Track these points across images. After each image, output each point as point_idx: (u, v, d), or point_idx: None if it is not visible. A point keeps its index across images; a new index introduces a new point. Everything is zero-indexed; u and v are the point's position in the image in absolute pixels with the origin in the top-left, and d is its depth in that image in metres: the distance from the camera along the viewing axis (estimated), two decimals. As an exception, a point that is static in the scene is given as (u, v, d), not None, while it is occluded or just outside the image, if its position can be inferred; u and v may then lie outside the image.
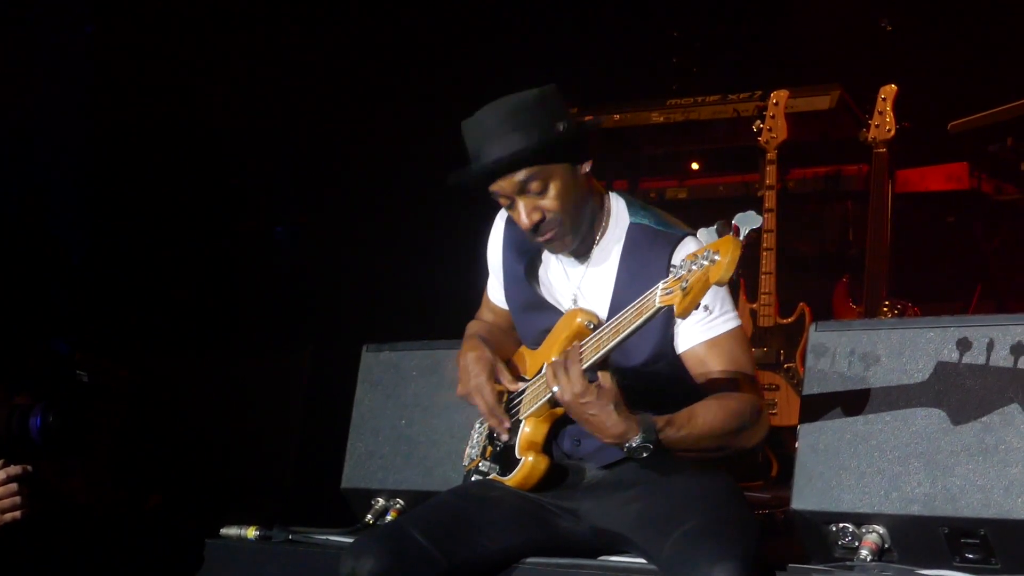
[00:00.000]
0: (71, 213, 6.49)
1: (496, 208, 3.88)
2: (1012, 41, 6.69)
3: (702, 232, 3.16)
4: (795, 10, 7.33)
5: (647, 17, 7.54)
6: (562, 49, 7.10)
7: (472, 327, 3.97)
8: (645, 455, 3.37)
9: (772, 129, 6.01)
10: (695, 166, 7.04)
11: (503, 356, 3.81)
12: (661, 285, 3.19)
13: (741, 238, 3.06)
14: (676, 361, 3.59)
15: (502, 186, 3.56)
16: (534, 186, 3.54)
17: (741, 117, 6.48)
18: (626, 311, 3.31)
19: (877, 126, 5.82)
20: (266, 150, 6.94)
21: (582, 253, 3.69)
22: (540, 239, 3.61)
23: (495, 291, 3.99)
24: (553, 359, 3.46)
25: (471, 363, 3.77)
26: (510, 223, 3.83)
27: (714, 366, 3.53)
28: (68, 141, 6.48)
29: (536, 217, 3.56)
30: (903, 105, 5.85)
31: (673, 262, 3.50)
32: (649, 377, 3.57)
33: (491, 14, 7.19)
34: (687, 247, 3.54)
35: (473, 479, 3.77)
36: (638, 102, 6.84)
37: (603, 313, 3.61)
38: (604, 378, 3.36)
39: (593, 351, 3.38)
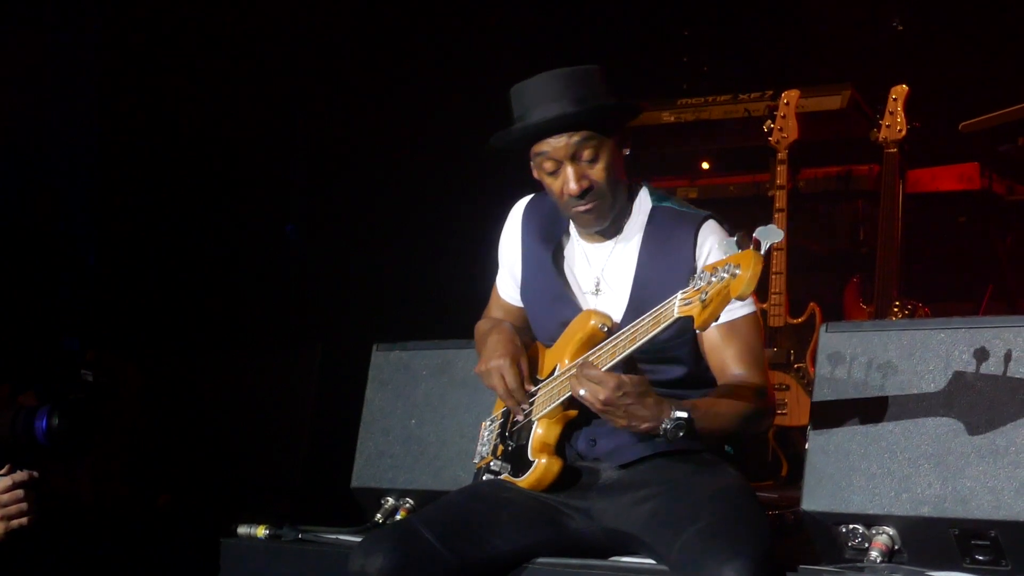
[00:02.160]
0: (82, 212, 6.50)
1: (513, 198, 3.89)
2: (1023, 41, 6.68)
3: (722, 243, 3.15)
4: (806, 10, 7.33)
5: (658, 16, 7.54)
6: (572, 49, 7.08)
7: (485, 324, 3.97)
8: (681, 434, 3.37)
9: (783, 129, 6.00)
10: (705, 166, 7.04)
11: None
12: (680, 295, 3.19)
13: (762, 252, 3.06)
14: (694, 340, 3.61)
15: (555, 146, 3.57)
16: (586, 153, 3.56)
17: (752, 117, 6.48)
18: (643, 319, 3.32)
19: (888, 126, 5.81)
20: (276, 148, 6.94)
21: (607, 236, 3.71)
22: (582, 208, 3.61)
23: (507, 288, 3.97)
24: (574, 372, 3.45)
25: (497, 343, 3.75)
26: (529, 212, 3.85)
27: (729, 350, 3.57)
28: (78, 140, 6.48)
29: (585, 184, 3.57)
30: (914, 105, 5.84)
31: (698, 242, 3.57)
32: (667, 357, 3.59)
33: (501, 14, 7.19)
34: (710, 227, 3.60)
35: (484, 478, 3.77)
36: (649, 101, 6.84)
37: (625, 292, 3.62)
38: (624, 375, 3.39)
39: (609, 357, 3.40)
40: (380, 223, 7.00)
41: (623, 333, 3.39)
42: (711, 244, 3.58)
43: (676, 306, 3.20)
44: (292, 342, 6.10)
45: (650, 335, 3.29)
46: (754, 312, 3.62)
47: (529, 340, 3.86)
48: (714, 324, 3.49)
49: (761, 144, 6.18)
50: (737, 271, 3.05)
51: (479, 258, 4.29)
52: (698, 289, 3.13)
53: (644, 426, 3.38)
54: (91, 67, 6.50)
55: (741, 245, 3.08)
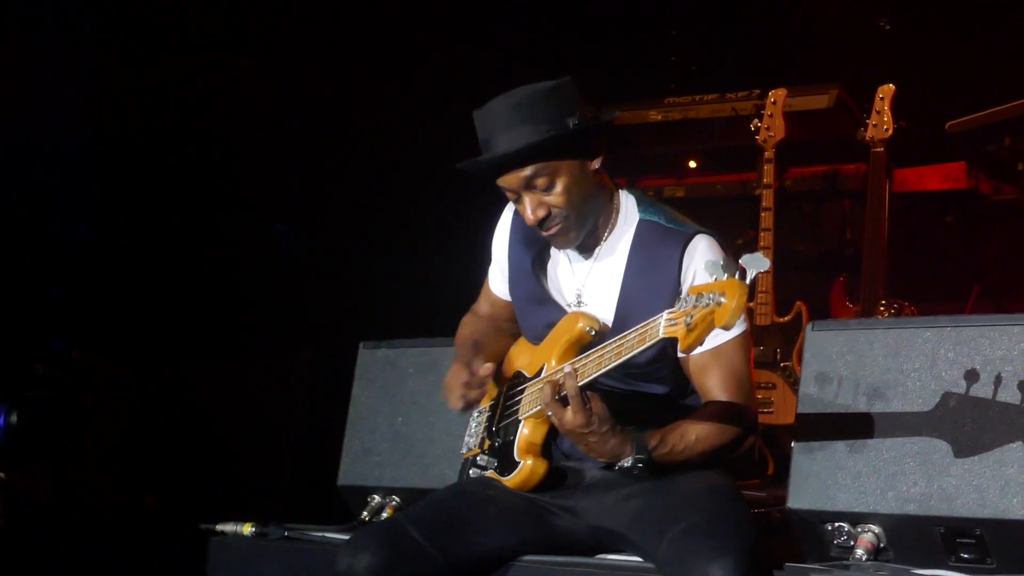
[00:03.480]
0: (73, 212, 6.49)
1: (503, 200, 3.89)
2: (1010, 41, 6.69)
3: (708, 265, 3.11)
4: (794, 9, 7.33)
5: (646, 15, 7.54)
6: (561, 48, 7.10)
7: (464, 329, 3.97)
8: (635, 473, 3.43)
9: (770, 128, 6.01)
10: (693, 165, 7.04)
11: (495, 355, 3.82)
12: (666, 314, 3.18)
13: (748, 281, 3.03)
14: (674, 364, 3.60)
15: (508, 181, 3.56)
16: (540, 182, 3.54)
17: (739, 116, 6.48)
18: (629, 334, 3.31)
19: (875, 125, 5.82)
20: (265, 147, 6.94)
21: (588, 248, 3.69)
22: (545, 233, 3.61)
23: (497, 282, 3.97)
24: (547, 383, 3.44)
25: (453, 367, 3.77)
26: (518, 215, 3.84)
27: (714, 374, 3.55)
28: (69, 139, 6.48)
29: (541, 213, 3.56)
30: (901, 104, 5.85)
31: (684, 261, 3.54)
32: (649, 378, 3.58)
33: (489, 13, 7.19)
34: (699, 246, 3.57)
35: (471, 471, 3.77)
36: (636, 100, 6.85)
37: (609, 310, 3.62)
38: (595, 402, 3.40)
39: (594, 368, 3.39)
40: (370, 222, 7.01)
41: (609, 345, 3.38)
42: (697, 264, 3.54)
43: (662, 326, 3.18)
44: (282, 341, 6.11)
45: (635, 351, 3.29)
46: (743, 333, 3.59)
47: (512, 337, 3.88)
48: (699, 349, 3.50)
49: (748, 143, 6.18)
50: (722, 300, 3.02)
51: (467, 257, 4.30)
52: (684, 311, 3.10)
53: (602, 459, 3.47)
54: (83, 66, 6.50)
55: (727, 270, 3.06)
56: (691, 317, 3.07)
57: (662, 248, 3.59)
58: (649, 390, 3.59)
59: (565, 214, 3.57)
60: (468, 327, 3.99)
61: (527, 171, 3.52)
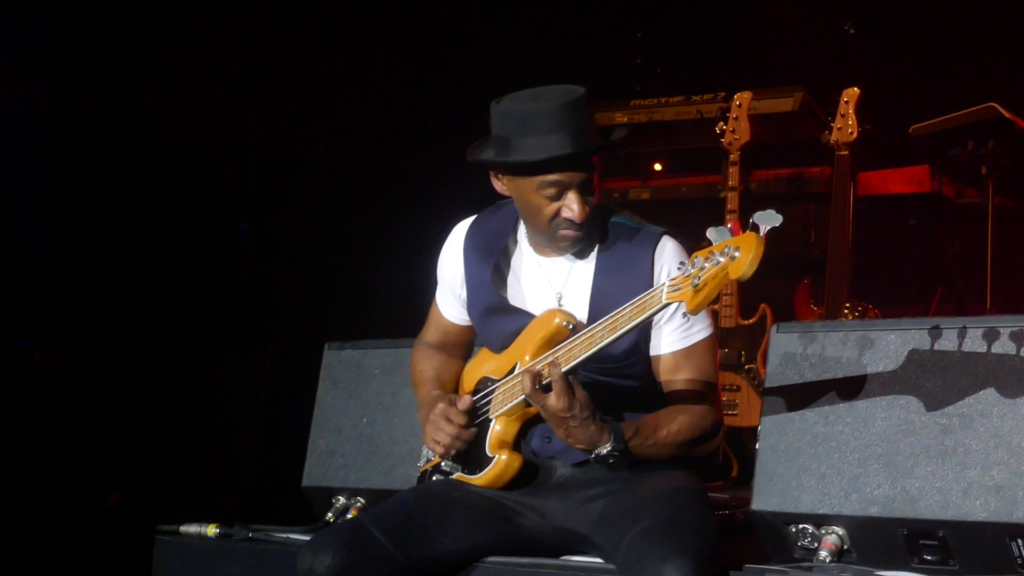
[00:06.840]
0: (32, 211, 6.46)
1: (456, 203, 3.87)
2: (973, 46, 6.74)
3: (711, 231, 3.10)
4: (759, 12, 7.36)
5: (611, 17, 7.56)
6: (525, 49, 7.10)
7: (420, 365, 3.96)
8: (612, 461, 3.42)
9: (735, 131, 6.02)
10: (658, 167, 7.05)
11: (453, 388, 3.86)
12: (668, 282, 3.18)
13: (762, 235, 3.02)
14: (647, 360, 3.61)
15: (571, 175, 3.51)
16: (587, 185, 3.53)
17: (704, 118, 6.50)
18: (625, 308, 3.30)
19: (839, 128, 5.85)
20: (229, 147, 6.92)
21: (564, 252, 3.67)
22: (577, 234, 3.56)
23: (448, 307, 3.92)
24: (527, 369, 3.44)
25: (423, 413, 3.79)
26: (473, 231, 3.80)
27: (683, 375, 3.57)
28: (29, 138, 6.45)
29: (588, 210, 3.53)
30: (865, 108, 5.88)
31: (655, 259, 3.55)
32: (623, 373, 3.59)
33: (450, 14, 7.19)
34: (667, 245, 3.58)
35: (435, 479, 3.76)
36: (602, 102, 6.85)
37: (584, 310, 3.60)
38: (577, 388, 3.39)
39: (585, 347, 3.38)
40: (333, 223, 6.99)
41: (601, 324, 3.37)
42: (668, 263, 3.56)
43: (664, 292, 3.18)
44: (244, 341, 6.08)
45: (633, 323, 3.27)
46: (711, 335, 3.61)
47: (466, 356, 3.90)
48: (671, 349, 3.52)
49: (713, 145, 6.20)
50: (736, 253, 3.01)
51: (430, 258, 4.29)
52: (688, 276, 3.10)
53: (579, 446, 3.44)
54: (42, 63, 6.47)
55: (734, 233, 3.05)
56: (698, 279, 3.06)
57: (632, 249, 3.59)
58: (623, 384, 3.59)
59: (592, 219, 3.57)
60: (424, 362, 3.96)
61: (589, 172, 3.51)
